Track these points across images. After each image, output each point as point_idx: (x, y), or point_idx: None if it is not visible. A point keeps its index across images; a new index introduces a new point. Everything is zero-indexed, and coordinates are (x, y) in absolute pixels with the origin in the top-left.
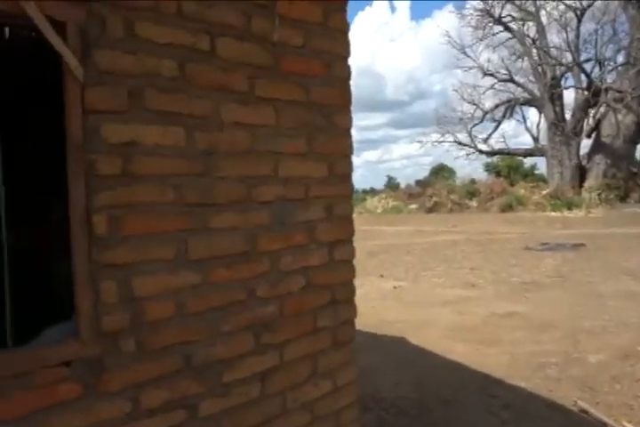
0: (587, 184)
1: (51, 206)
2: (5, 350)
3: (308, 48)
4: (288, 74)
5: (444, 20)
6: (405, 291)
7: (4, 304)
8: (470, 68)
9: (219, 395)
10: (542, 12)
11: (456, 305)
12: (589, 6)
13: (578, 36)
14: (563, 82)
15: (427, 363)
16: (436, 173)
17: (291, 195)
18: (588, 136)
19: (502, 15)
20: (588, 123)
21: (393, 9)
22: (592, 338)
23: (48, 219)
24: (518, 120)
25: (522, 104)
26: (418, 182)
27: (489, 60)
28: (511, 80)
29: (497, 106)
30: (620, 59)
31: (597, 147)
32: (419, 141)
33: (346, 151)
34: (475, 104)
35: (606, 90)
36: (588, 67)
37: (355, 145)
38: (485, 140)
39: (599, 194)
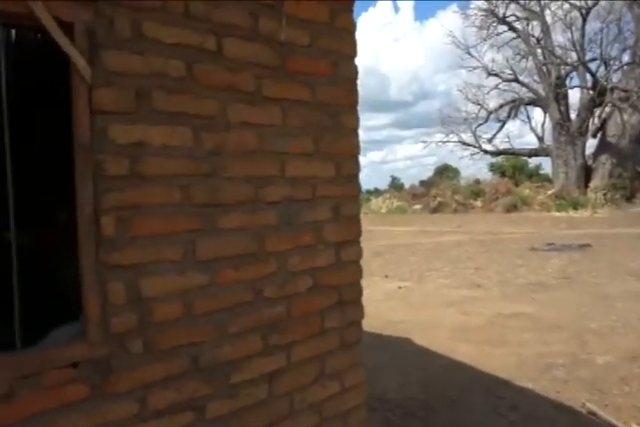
0: (592, 184)
1: (58, 207)
2: (14, 351)
3: (315, 48)
4: (295, 74)
5: (448, 21)
6: (410, 291)
7: (13, 305)
8: (474, 68)
9: (226, 396)
10: (547, 12)
11: (461, 306)
12: (594, 5)
13: (583, 35)
14: (568, 81)
15: (433, 364)
16: (440, 173)
17: (298, 195)
18: (594, 136)
19: (507, 15)
20: (594, 122)
21: (396, 9)
22: (599, 339)
23: (56, 220)
24: (523, 120)
25: (526, 104)
26: (422, 183)
27: (493, 60)
28: (516, 80)
29: (501, 106)
30: (626, 58)
31: (603, 146)
32: (423, 142)
33: (353, 151)
34: (479, 104)
35: (612, 89)
36: (593, 66)
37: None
38: (490, 141)
39: (605, 194)
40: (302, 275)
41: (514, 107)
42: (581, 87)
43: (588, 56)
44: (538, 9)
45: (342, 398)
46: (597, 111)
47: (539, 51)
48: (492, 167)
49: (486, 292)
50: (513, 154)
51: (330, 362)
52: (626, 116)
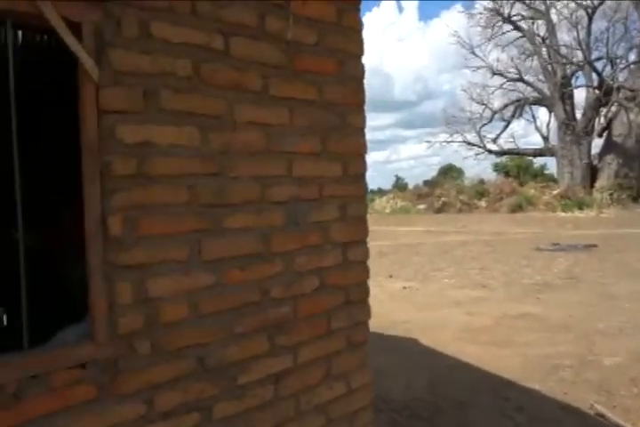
0: (598, 184)
1: (65, 207)
2: (21, 351)
3: (322, 47)
4: (302, 73)
5: (452, 20)
6: (415, 291)
7: (21, 306)
8: (479, 68)
9: (233, 397)
10: (552, 11)
11: (467, 306)
12: (600, 4)
13: (589, 34)
14: (573, 81)
15: (439, 364)
16: (444, 173)
17: (305, 195)
18: (600, 135)
19: (512, 14)
20: (600, 122)
21: (400, 9)
22: (607, 340)
23: (63, 220)
24: (528, 120)
25: (531, 103)
26: (426, 183)
27: (498, 60)
28: (520, 79)
29: (506, 105)
30: (632, 57)
31: (609, 146)
32: (427, 142)
33: (360, 151)
34: (483, 104)
35: (618, 88)
36: (599, 65)
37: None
38: (494, 140)
39: (611, 194)
40: (309, 275)
41: (518, 106)
42: (587, 86)
43: (594, 55)
44: (543, 8)
45: (349, 399)
46: (603, 111)
47: (544, 50)
48: (497, 167)
49: (492, 292)
50: (518, 154)
51: (336, 363)
52: (632, 116)
